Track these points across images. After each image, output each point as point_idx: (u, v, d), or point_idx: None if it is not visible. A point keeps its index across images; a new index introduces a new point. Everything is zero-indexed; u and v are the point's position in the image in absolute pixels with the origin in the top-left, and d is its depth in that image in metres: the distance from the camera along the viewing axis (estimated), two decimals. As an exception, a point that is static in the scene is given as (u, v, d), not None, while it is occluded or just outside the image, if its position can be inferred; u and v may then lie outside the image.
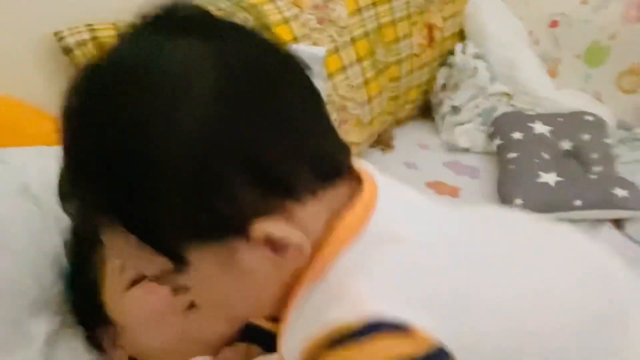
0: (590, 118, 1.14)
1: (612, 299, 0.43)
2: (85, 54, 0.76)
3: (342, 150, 0.38)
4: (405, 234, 0.35)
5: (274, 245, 0.33)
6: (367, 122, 1.09)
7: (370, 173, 0.39)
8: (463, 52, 1.24)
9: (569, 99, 1.21)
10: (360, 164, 0.40)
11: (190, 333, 0.55)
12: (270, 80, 0.33)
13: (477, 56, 1.23)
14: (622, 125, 1.19)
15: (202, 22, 0.35)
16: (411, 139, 1.25)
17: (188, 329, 0.54)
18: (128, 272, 0.56)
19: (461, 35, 1.29)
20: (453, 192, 1.06)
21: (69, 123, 0.33)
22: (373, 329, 0.30)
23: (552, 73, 1.27)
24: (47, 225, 0.62)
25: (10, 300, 0.57)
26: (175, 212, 0.31)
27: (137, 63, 0.32)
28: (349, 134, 1.03)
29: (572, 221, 0.96)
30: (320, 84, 0.89)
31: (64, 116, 0.34)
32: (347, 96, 1.01)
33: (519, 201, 0.96)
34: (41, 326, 0.59)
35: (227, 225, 0.32)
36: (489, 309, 0.35)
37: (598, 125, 1.13)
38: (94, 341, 0.61)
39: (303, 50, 0.81)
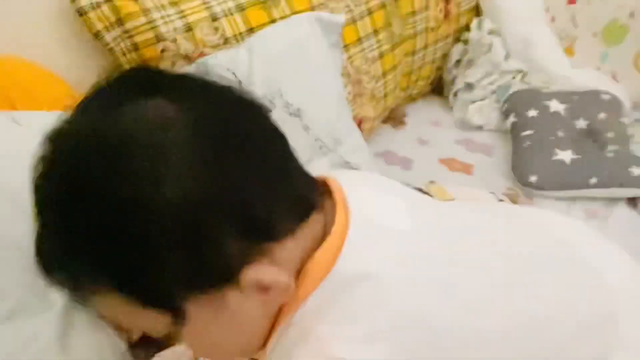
0: (606, 97, 1.12)
1: (601, 298, 0.43)
2: (100, 17, 0.74)
3: (312, 185, 0.40)
4: (375, 269, 0.37)
5: (262, 287, 0.35)
6: (381, 96, 1.07)
7: (344, 192, 0.39)
8: (479, 27, 1.22)
9: (584, 77, 1.19)
10: (333, 179, 0.41)
11: None
12: (241, 133, 0.35)
13: (493, 32, 1.21)
14: (638, 107, 1.18)
15: (165, 82, 0.36)
16: (423, 116, 1.23)
17: None
18: None
19: (477, 10, 1.27)
20: (466, 169, 1.05)
21: (52, 202, 0.34)
22: None
23: (569, 51, 1.24)
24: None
25: (31, 264, 0.57)
26: (171, 271, 0.33)
27: (112, 134, 0.33)
28: (363, 107, 1.01)
29: (587, 199, 0.95)
30: (338, 54, 0.87)
31: (41, 194, 0.35)
32: (362, 69, 0.99)
33: (534, 178, 0.96)
34: (59, 292, 0.58)
35: (220, 276, 0.34)
36: (464, 340, 0.37)
37: (614, 104, 1.11)
38: None
39: (322, 17, 0.79)
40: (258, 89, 0.75)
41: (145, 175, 0.32)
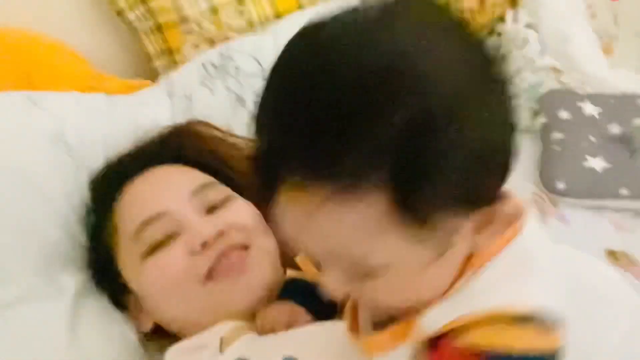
0: (643, 102, 1.07)
1: None
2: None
3: None
4: (544, 242, 0.38)
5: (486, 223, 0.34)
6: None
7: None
8: (514, 20, 1.17)
9: (622, 80, 1.13)
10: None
11: (213, 303, 0.52)
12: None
13: (529, 26, 1.16)
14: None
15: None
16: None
17: (210, 300, 0.52)
18: (141, 242, 0.54)
19: (513, 1, 1.21)
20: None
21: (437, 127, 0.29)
22: (528, 319, 0.33)
23: (607, 51, 1.19)
24: (79, 178, 0.60)
25: (42, 250, 0.56)
26: (455, 187, 0.30)
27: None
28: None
29: (615, 210, 0.92)
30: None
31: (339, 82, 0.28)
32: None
33: (561, 185, 0.92)
34: (70, 279, 0.58)
35: (483, 203, 0.33)
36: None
37: (651, 110, 1.06)
38: (119, 303, 0.60)
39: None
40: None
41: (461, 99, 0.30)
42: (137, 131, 0.67)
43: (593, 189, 0.91)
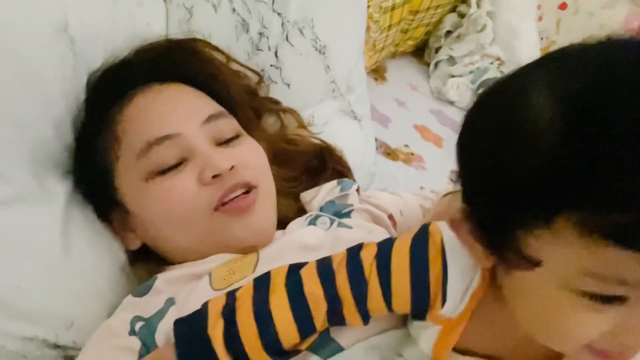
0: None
1: None
2: None
3: None
4: None
5: None
6: (379, 48, 1.06)
7: None
8: (478, 6, 1.24)
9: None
10: None
11: (213, 234, 0.52)
12: None
13: (488, 14, 1.24)
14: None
15: None
16: (402, 76, 1.24)
17: (211, 230, 0.52)
18: (147, 161, 0.51)
19: (478, -14, 1.28)
20: (437, 142, 1.10)
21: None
22: None
23: (544, 52, 1.32)
24: (78, 77, 0.54)
25: (33, 147, 0.50)
26: None
27: None
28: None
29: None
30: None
31: None
32: (374, 17, 0.96)
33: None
34: (60, 185, 0.53)
35: None
36: None
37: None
38: (103, 216, 0.56)
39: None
40: (291, 13, 0.70)
41: None
42: (135, 36, 0.61)
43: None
